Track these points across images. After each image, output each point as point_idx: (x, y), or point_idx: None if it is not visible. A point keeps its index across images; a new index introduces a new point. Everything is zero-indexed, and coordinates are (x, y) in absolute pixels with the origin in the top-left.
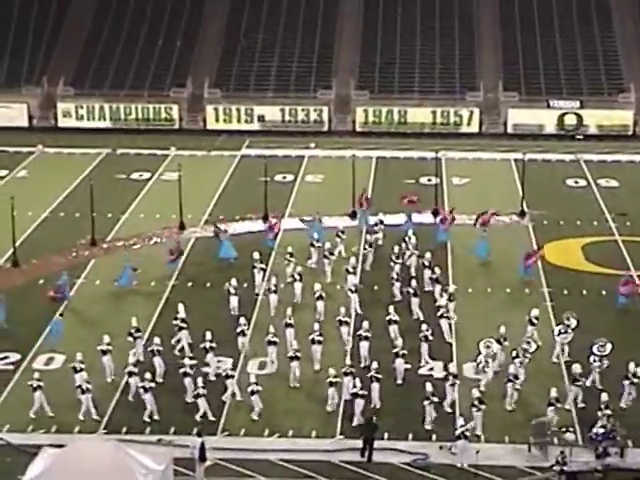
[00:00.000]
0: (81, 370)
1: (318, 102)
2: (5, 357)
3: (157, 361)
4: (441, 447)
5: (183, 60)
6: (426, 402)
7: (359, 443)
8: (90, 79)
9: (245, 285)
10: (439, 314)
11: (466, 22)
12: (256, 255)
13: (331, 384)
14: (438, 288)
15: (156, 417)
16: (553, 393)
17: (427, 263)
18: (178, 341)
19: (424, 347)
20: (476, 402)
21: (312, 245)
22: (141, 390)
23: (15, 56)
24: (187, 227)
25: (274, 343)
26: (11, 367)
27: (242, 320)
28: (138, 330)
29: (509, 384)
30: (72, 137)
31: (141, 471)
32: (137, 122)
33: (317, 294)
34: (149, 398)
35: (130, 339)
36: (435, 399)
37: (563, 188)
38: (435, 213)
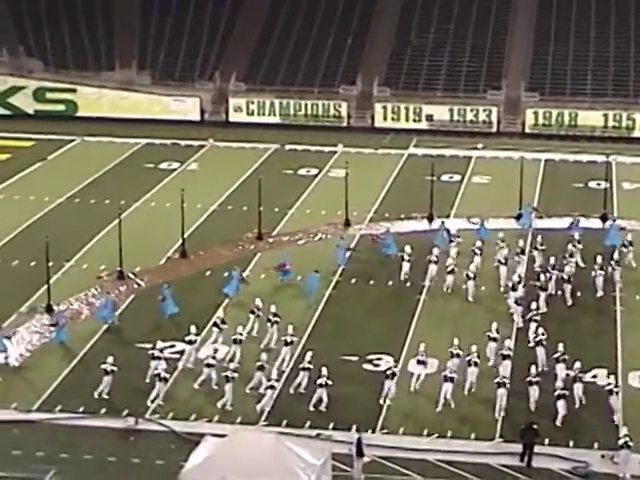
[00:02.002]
0: (159, 358)
1: (487, 103)
2: (172, 346)
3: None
4: (603, 456)
5: (353, 58)
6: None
7: (519, 447)
8: (261, 75)
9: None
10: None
11: None
12: (407, 249)
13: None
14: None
15: (229, 407)
16: None
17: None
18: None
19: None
20: None
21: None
22: (223, 379)
23: (189, 51)
24: (352, 224)
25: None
26: (177, 356)
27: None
28: (224, 322)
29: None
30: (242, 132)
31: (300, 464)
32: (306, 118)
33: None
34: (229, 388)
35: (215, 329)
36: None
37: None
38: (603, 218)
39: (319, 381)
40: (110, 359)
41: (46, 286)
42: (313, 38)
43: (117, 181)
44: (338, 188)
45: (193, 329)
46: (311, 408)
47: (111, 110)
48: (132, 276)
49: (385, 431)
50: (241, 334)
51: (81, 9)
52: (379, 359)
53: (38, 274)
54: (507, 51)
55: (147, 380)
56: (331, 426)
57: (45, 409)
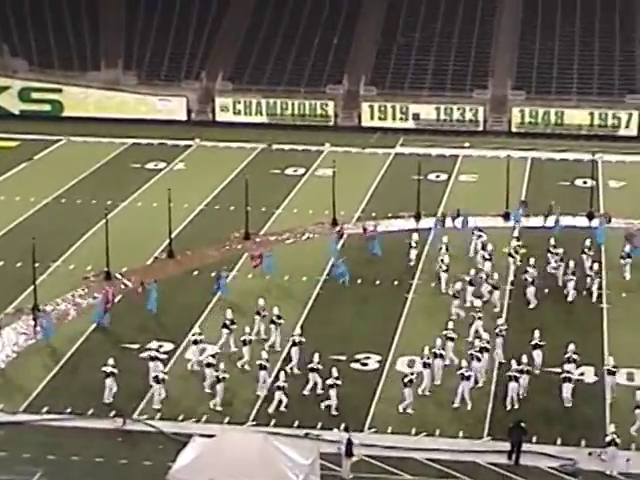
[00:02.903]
0: (157, 359)
1: (474, 101)
2: (160, 346)
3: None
4: (590, 453)
5: (340, 57)
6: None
7: (507, 445)
8: (248, 74)
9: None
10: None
11: (627, 23)
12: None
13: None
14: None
15: (219, 408)
16: None
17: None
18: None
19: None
20: None
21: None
22: (214, 379)
23: (176, 51)
24: (339, 223)
25: (451, 339)
26: (165, 356)
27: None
28: (233, 322)
29: None
30: (229, 131)
31: (288, 464)
32: (293, 118)
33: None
34: (220, 389)
35: (224, 330)
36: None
37: None
38: (590, 216)
39: (329, 382)
40: (111, 361)
41: (32, 287)
42: (299, 37)
43: (103, 181)
44: (325, 187)
45: (197, 329)
46: (322, 407)
47: (97, 110)
48: (119, 276)
49: (373, 430)
50: (250, 334)
51: (66, 8)
52: (367, 358)
53: (24, 275)
54: (493, 50)
55: (150, 382)
56: (319, 425)
57: (32, 410)
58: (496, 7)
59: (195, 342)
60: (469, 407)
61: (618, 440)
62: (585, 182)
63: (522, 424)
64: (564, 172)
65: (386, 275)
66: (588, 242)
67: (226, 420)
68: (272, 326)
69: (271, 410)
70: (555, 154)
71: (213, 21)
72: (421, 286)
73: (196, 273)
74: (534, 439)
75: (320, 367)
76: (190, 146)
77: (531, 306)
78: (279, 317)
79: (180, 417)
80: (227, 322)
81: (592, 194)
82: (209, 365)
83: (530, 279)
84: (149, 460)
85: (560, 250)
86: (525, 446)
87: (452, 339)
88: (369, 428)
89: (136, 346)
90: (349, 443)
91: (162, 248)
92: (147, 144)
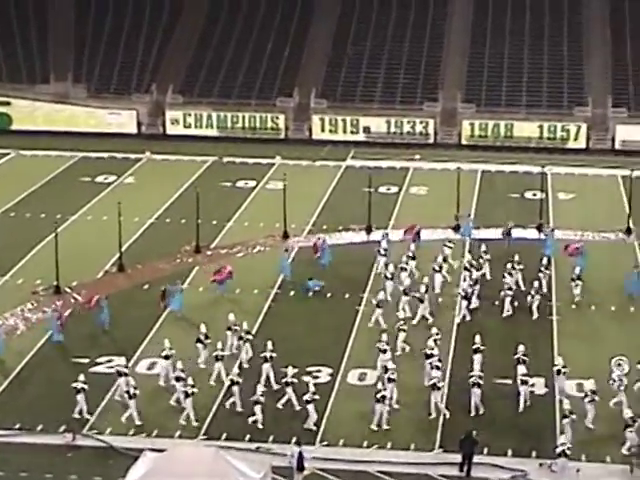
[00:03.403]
0: (126, 375)
1: (424, 114)
2: (109, 360)
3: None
4: (541, 464)
5: (290, 70)
6: (565, 420)
7: (458, 457)
8: (198, 87)
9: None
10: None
11: (575, 36)
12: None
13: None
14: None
15: (195, 424)
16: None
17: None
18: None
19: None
20: (630, 422)
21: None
22: (182, 395)
23: (125, 64)
24: (290, 236)
25: (383, 351)
26: (114, 371)
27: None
28: (207, 337)
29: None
30: (179, 144)
31: (239, 478)
32: (244, 131)
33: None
34: (189, 403)
35: (199, 345)
36: (574, 417)
37: None
38: (539, 228)
39: (306, 397)
40: (81, 377)
41: None
42: (250, 50)
43: (53, 195)
44: (276, 200)
45: (167, 343)
46: (306, 426)
47: (46, 123)
48: (69, 290)
49: (325, 443)
50: (222, 350)
51: (15, 20)
52: (319, 371)
53: None
54: (443, 63)
55: (117, 398)
56: (271, 439)
57: None
58: (445, 21)
59: (166, 357)
60: (447, 416)
61: (568, 451)
62: (535, 194)
63: (474, 435)
64: (514, 184)
65: (337, 288)
66: (517, 257)
67: (177, 434)
68: (240, 342)
69: (251, 421)
70: (505, 166)
71: (163, 34)
72: (372, 299)
73: (147, 287)
74: (485, 451)
75: (295, 381)
76: (140, 159)
77: (504, 315)
78: (248, 332)
79: (130, 432)
80: (201, 337)
81: (541, 206)
82: (178, 379)
83: (508, 288)
84: (99, 476)
85: (509, 265)
86: (476, 458)
87: (384, 351)
88: (321, 441)
89: (86, 360)
90: (300, 457)
91: (112, 262)
92: (97, 157)
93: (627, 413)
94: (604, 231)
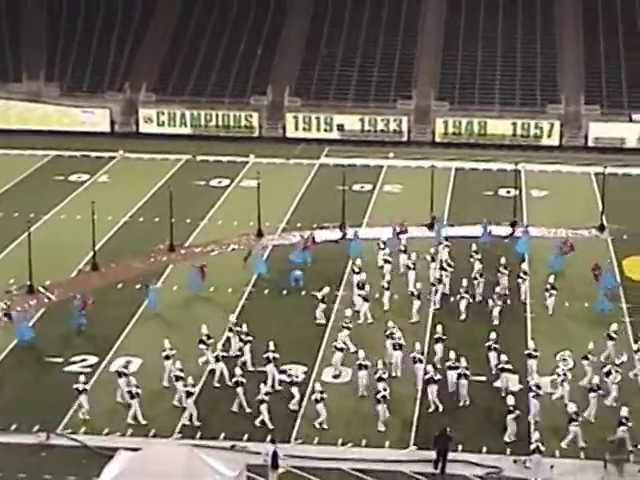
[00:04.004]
0: (126, 375)
1: (398, 112)
2: (83, 360)
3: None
4: (515, 461)
5: (264, 68)
6: (510, 416)
7: (432, 454)
8: (172, 86)
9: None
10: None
11: (548, 35)
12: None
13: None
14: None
15: (197, 423)
16: (624, 412)
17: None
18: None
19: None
20: (573, 416)
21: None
22: (184, 395)
23: (98, 62)
24: (265, 234)
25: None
26: (89, 370)
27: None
28: (209, 337)
29: (592, 394)
30: (153, 143)
31: (214, 476)
32: (217, 129)
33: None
34: (191, 403)
35: (202, 346)
36: (518, 412)
37: None
38: (513, 225)
39: (314, 397)
40: (82, 378)
41: None
42: (223, 48)
43: (26, 194)
44: (250, 198)
45: (167, 344)
46: (316, 425)
47: (19, 122)
48: (42, 290)
49: (300, 441)
50: (226, 351)
51: None
52: (291, 369)
53: None
54: (416, 61)
55: (118, 399)
56: (245, 437)
57: None
58: (419, 18)
59: (167, 357)
60: (440, 409)
61: (542, 447)
62: (508, 192)
63: (448, 432)
64: (488, 182)
65: (311, 285)
66: (503, 260)
67: (151, 433)
68: (241, 343)
69: (257, 423)
70: (479, 164)
71: (136, 32)
72: (345, 297)
73: (120, 286)
74: (460, 447)
75: (299, 379)
76: (114, 158)
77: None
78: (247, 334)
79: (105, 431)
80: (204, 337)
81: (515, 203)
82: (178, 379)
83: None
84: (74, 475)
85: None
86: (451, 455)
87: (340, 350)
88: (295, 439)
89: (60, 360)
90: (275, 455)
91: (86, 261)
92: (70, 156)
93: (571, 407)
94: (578, 228)
